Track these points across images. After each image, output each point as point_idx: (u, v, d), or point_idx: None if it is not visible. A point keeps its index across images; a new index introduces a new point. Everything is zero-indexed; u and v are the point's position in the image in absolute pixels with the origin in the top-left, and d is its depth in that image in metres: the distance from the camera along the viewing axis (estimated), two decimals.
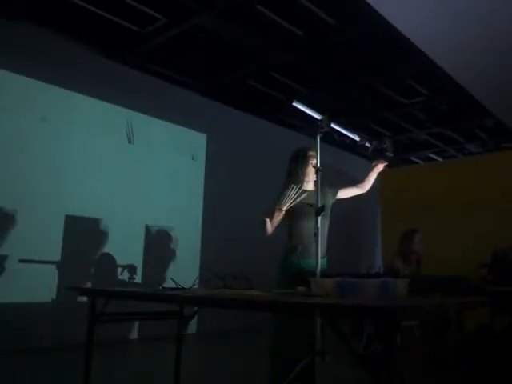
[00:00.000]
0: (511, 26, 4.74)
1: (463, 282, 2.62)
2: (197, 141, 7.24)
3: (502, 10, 4.48)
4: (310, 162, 3.20)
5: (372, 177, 3.40)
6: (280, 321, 3.10)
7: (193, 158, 7.15)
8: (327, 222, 3.23)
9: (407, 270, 4.44)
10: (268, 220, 3.05)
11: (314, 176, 3.15)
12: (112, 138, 6.10)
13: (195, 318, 3.22)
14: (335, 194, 3.35)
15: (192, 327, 6.11)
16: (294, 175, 3.25)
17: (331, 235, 3.29)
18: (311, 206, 2.97)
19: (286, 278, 3.04)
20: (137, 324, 5.87)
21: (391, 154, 3.44)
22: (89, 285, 5.59)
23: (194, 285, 2.64)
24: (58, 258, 5.41)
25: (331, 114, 3.15)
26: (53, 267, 5.36)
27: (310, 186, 3.28)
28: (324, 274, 2.81)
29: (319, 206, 2.84)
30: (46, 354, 4.99)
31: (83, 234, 5.63)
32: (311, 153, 3.21)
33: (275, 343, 3.10)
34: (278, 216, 3.08)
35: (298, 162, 3.26)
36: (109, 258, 5.82)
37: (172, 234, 6.60)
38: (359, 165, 10.45)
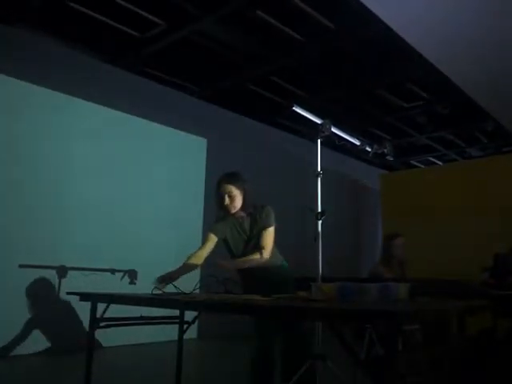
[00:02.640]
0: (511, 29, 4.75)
1: (465, 286, 2.62)
2: (197, 145, 7.25)
3: (503, 13, 4.49)
4: (221, 192, 3.08)
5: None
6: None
7: (193, 163, 7.15)
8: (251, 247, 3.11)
9: (390, 274, 4.42)
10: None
11: (230, 206, 3.07)
12: (112, 143, 6.10)
13: (196, 323, 3.21)
14: (262, 227, 3.09)
15: (193, 332, 6.09)
16: (217, 206, 3.16)
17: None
18: (312, 210, 2.98)
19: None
20: (137, 328, 5.86)
21: (391, 158, 3.44)
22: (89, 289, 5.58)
23: (194, 290, 2.63)
24: (58, 262, 5.40)
25: (331, 118, 3.15)
26: (53, 272, 5.35)
27: (238, 213, 3.14)
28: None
29: (320, 210, 2.84)
30: (47, 358, 4.98)
31: (83, 238, 5.62)
32: (221, 183, 3.10)
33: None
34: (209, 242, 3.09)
35: (215, 193, 3.15)
36: (109, 263, 5.81)
37: (173, 238, 6.59)
38: (360, 169, 10.48)
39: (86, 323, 2.74)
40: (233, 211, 3.09)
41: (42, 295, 5.25)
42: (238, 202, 3.09)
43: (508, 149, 9.25)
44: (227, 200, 3.05)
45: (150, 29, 5.48)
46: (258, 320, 3.08)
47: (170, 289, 2.73)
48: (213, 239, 3.11)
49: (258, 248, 3.01)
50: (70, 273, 5.48)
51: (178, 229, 6.67)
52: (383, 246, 4.85)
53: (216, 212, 3.19)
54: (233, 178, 3.11)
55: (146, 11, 5.18)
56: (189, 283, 2.67)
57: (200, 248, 3.09)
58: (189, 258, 3.00)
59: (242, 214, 3.14)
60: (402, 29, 4.89)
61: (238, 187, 3.08)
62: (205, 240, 3.12)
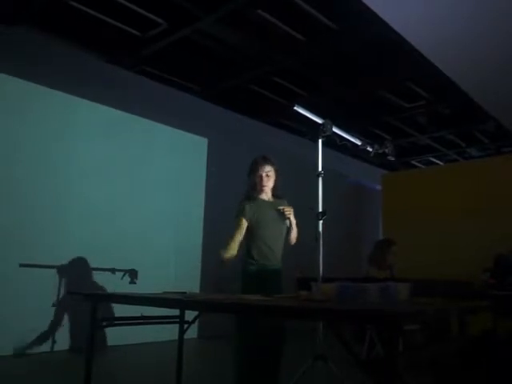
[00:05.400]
0: None
1: (465, 287, 2.61)
2: (198, 145, 7.24)
3: (504, 13, 4.48)
4: (260, 172, 3.23)
5: (292, 225, 3.28)
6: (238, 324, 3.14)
7: (194, 163, 7.15)
8: (282, 231, 3.26)
9: (382, 276, 4.48)
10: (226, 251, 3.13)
11: (267, 186, 3.24)
12: (113, 142, 6.09)
13: (196, 323, 3.21)
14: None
15: (193, 332, 6.09)
16: (250, 186, 3.30)
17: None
18: (313, 210, 2.98)
19: (248, 286, 3.10)
20: (137, 328, 5.85)
21: (393, 158, 3.44)
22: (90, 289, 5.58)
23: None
24: (58, 262, 5.40)
25: (332, 118, 3.15)
26: (53, 271, 5.35)
27: (266, 196, 3.30)
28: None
29: (320, 210, 2.84)
30: (47, 358, 4.98)
31: (84, 237, 5.61)
32: (260, 163, 3.25)
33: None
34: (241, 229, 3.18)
35: (251, 174, 3.30)
36: (109, 263, 5.81)
37: (173, 237, 6.59)
38: (361, 169, 10.47)
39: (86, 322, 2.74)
40: (266, 191, 3.25)
41: (42, 295, 5.23)
42: (272, 182, 3.26)
43: (508, 149, 9.24)
44: (265, 179, 3.20)
45: (151, 28, 5.48)
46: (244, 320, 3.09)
47: (169, 289, 2.73)
48: (245, 224, 3.20)
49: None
50: (70, 272, 5.47)
51: (178, 228, 6.67)
52: (378, 249, 4.89)
53: (247, 192, 3.29)
54: (270, 159, 3.26)
55: (146, 11, 5.18)
56: (189, 282, 2.67)
57: (235, 236, 3.17)
58: (227, 251, 3.11)
59: (270, 195, 3.29)
60: (404, 29, 4.88)
61: (274, 168, 3.26)
62: (238, 226, 3.19)
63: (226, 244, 3.14)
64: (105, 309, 5.34)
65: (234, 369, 3.07)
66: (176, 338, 3.19)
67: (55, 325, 5.29)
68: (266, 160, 3.25)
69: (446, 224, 7.09)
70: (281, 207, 3.15)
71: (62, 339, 5.30)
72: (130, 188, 6.20)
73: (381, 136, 8.94)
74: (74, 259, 5.50)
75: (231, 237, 3.17)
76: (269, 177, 3.23)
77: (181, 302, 2.45)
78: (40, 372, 4.43)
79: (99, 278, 5.66)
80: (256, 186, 3.25)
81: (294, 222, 3.22)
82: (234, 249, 3.13)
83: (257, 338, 3.03)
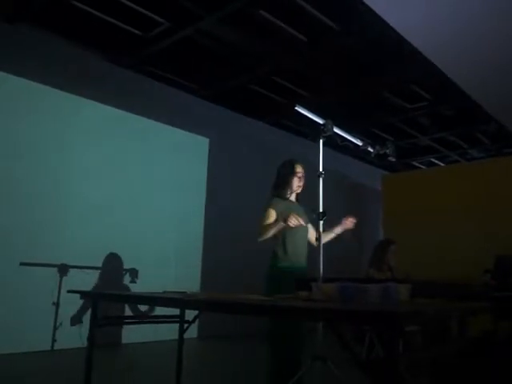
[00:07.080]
0: None
1: (466, 288, 2.61)
2: (199, 145, 7.24)
3: (505, 15, 4.48)
4: (298, 173, 3.29)
5: (330, 235, 3.33)
6: (274, 323, 3.12)
7: (195, 162, 7.15)
8: (307, 233, 3.35)
9: (383, 277, 4.48)
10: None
11: (301, 187, 3.31)
12: (113, 142, 6.10)
13: (196, 322, 3.21)
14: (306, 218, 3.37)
15: (193, 331, 6.09)
16: (282, 186, 3.31)
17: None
18: (314, 211, 2.99)
19: (277, 284, 3.07)
20: (137, 327, 5.85)
21: (394, 159, 3.44)
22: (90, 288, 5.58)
23: None
24: (59, 261, 5.40)
25: (334, 119, 3.15)
26: (54, 270, 5.35)
27: (293, 197, 3.37)
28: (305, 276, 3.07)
29: (321, 210, 2.84)
30: (47, 357, 4.98)
31: (84, 237, 5.61)
32: (297, 164, 3.31)
33: (273, 345, 3.10)
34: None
35: (286, 173, 3.32)
36: (110, 262, 5.81)
37: (173, 237, 6.59)
38: (361, 169, 10.47)
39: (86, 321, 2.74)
40: (297, 192, 3.31)
41: (43, 293, 5.24)
42: (303, 185, 3.31)
43: (510, 150, 9.23)
44: (302, 181, 3.28)
45: (153, 28, 5.48)
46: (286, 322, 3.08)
47: (170, 289, 2.73)
48: (274, 213, 3.19)
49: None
50: (71, 271, 5.48)
51: (178, 228, 6.67)
52: (378, 251, 4.90)
53: (276, 190, 3.31)
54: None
55: (148, 10, 5.18)
56: (190, 281, 2.66)
57: (265, 223, 3.15)
58: (262, 235, 3.10)
59: (295, 198, 3.34)
60: (406, 30, 4.88)
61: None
62: (267, 215, 3.18)
63: (259, 232, 3.13)
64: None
65: (267, 368, 3.06)
66: (176, 337, 3.20)
67: (56, 323, 5.29)
68: (301, 163, 3.31)
69: (447, 225, 7.08)
70: (347, 219, 3.28)
71: (62, 338, 5.30)
72: (130, 187, 6.20)
73: (382, 137, 8.93)
74: (74, 258, 5.50)
75: (262, 225, 3.14)
76: (303, 179, 3.31)
77: (181, 301, 2.45)
78: (39, 372, 4.43)
79: (100, 277, 5.67)
80: (291, 186, 3.28)
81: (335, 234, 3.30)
82: (267, 232, 3.10)
83: (293, 338, 3.04)
